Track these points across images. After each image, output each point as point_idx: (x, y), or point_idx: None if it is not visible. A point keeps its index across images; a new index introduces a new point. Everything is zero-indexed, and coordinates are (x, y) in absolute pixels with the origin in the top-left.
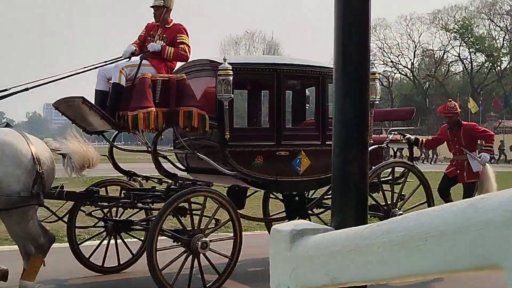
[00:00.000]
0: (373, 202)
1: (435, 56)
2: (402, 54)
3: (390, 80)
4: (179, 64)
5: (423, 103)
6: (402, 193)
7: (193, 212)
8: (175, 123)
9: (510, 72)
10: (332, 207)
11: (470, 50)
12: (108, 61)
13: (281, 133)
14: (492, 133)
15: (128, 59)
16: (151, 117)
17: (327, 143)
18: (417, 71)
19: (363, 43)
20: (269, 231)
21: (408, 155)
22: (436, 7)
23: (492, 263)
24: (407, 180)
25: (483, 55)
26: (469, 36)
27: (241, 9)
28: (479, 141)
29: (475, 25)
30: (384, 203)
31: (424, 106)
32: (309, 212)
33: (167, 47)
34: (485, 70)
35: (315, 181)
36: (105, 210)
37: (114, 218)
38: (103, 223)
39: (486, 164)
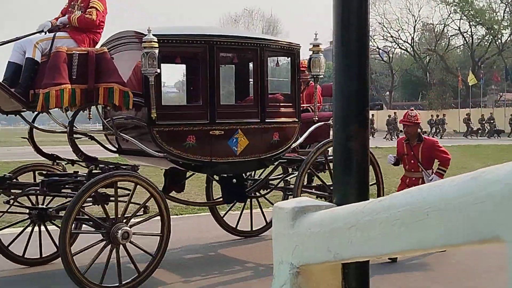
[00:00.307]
0: (319, 182)
1: (435, 30)
2: (402, 28)
3: (390, 55)
4: (105, 37)
5: (424, 78)
6: None
7: (118, 199)
8: (95, 101)
9: (511, 45)
10: (334, 184)
11: (471, 23)
12: (22, 36)
13: (215, 111)
14: (450, 156)
15: (44, 33)
16: (65, 95)
17: (266, 120)
18: (417, 45)
19: (362, 18)
20: (213, 215)
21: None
22: None
23: (494, 236)
24: None
25: (484, 28)
26: (469, 9)
27: None
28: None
29: None
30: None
31: (425, 81)
32: (257, 193)
33: (73, 14)
34: (486, 43)
35: (255, 161)
36: (34, 199)
37: (36, 206)
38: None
39: None
